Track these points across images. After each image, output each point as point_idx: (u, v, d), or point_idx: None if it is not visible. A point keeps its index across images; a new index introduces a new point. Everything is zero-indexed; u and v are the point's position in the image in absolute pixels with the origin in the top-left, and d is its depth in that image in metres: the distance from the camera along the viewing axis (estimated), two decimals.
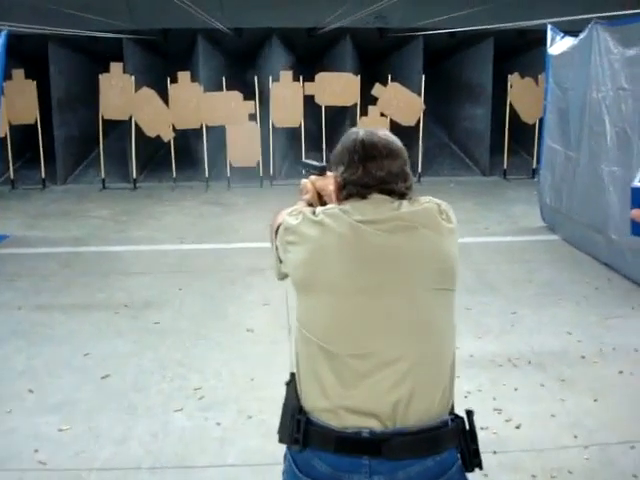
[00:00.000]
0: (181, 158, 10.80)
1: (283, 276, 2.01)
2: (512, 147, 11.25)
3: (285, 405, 1.92)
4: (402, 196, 1.86)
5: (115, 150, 11.19)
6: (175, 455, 3.60)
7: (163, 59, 11.84)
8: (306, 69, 10.79)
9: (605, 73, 6.40)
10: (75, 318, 5.47)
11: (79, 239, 7.83)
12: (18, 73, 10.07)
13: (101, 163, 10.55)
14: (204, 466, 3.51)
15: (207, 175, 10.68)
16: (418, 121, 10.80)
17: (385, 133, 1.91)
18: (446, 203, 1.89)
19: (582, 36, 6.93)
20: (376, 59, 11.99)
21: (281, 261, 1.97)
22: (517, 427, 3.85)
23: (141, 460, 3.54)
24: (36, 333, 5.16)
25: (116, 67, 10.25)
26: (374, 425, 1.75)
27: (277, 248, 1.98)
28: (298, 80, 10.52)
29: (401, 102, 10.70)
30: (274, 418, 3.86)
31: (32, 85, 10.16)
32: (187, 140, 10.94)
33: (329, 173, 2.35)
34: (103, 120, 10.33)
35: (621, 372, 4.54)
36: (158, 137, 10.49)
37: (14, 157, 10.49)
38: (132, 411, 4.04)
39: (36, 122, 10.26)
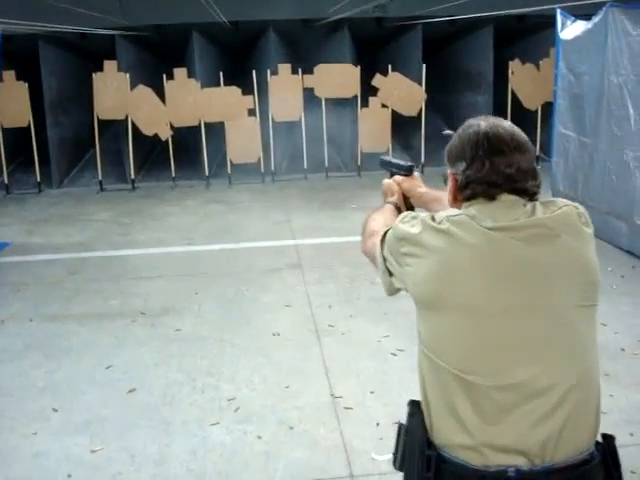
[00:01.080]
0: (180, 156, 10.55)
1: (395, 291, 1.79)
2: None
3: (409, 437, 1.70)
4: (532, 196, 1.65)
5: (110, 151, 10.92)
6: (219, 474, 3.39)
7: (158, 56, 11.56)
8: (304, 61, 10.56)
9: (624, 56, 6.23)
10: (91, 328, 5.24)
11: (83, 244, 7.58)
12: (9, 75, 9.79)
13: (98, 164, 10.27)
14: None
15: (207, 173, 10.45)
16: (420, 111, 10.61)
17: (510, 124, 1.69)
18: (581, 206, 1.68)
19: (596, 19, 6.75)
20: (374, 49, 11.78)
21: (391, 274, 1.75)
22: None
23: None
24: (52, 346, 4.93)
25: (110, 65, 9.97)
26: (521, 463, 1.55)
27: (385, 259, 1.75)
28: (297, 73, 10.29)
29: (402, 92, 10.50)
30: (317, 428, 3.75)
31: (24, 87, 9.86)
32: (185, 138, 10.69)
33: (415, 173, 2.15)
34: (98, 120, 10.06)
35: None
36: (155, 136, 10.24)
37: (7, 161, 10.20)
38: (166, 427, 3.83)
39: (29, 125, 9.97)
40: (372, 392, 4.12)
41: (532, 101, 10.59)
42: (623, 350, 4.60)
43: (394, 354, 4.62)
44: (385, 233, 1.76)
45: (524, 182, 1.63)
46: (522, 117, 10.74)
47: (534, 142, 10.48)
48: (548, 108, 9.63)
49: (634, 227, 6.26)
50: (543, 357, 1.57)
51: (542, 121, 10.39)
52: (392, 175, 2.21)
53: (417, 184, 2.17)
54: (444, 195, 1.81)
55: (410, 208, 2.16)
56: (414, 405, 1.73)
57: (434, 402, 1.64)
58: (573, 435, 1.57)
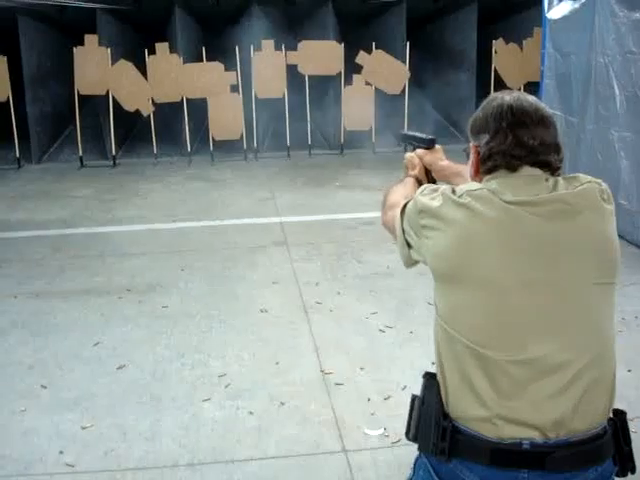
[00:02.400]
0: (161, 133, 10.45)
1: (413, 263, 1.79)
2: None
3: (424, 408, 1.70)
4: (555, 171, 1.65)
5: (91, 126, 10.78)
6: (212, 449, 3.39)
7: (139, 30, 11.39)
8: (288, 38, 10.47)
9: (610, 37, 6.24)
10: (77, 305, 5.20)
11: (66, 220, 7.50)
12: None
13: (78, 140, 10.14)
14: (245, 459, 3.31)
15: (189, 150, 10.36)
16: (403, 89, 10.59)
17: (533, 98, 1.68)
18: (604, 183, 1.67)
19: (583, 0, 6.75)
20: (359, 26, 11.70)
21: (410, 246, 1.75)
22: None
23: (177, 457, 3.33)
24: (38, 323, 4.88)
25: (91, 39, 9.82)
26: (535, 436, 1.56)
27: (404, 231, 1.75)
28: (280, 49, 10.21)
29: (386, 70, 10.47)
30: (308, 404, 3.76)
31: (2, 61, 9.69)
32: (167, 114, 10.57)
33: (437, 146, 2.14)
34: (79, 95, 9.92)
35: None
36: (137, 111, 10.12)
37: None
38: (156, 403, 3.82)
39: (8, 99, 9.81)
40: (362, 368, 4.14)
41: (515, 80, 10.59)
42: None
43: (382, 330, 4.64)
44: (405, 205, 1.75)
45: (547, 155, 1.63)
46: None
47: None
48: (531, 88, 9.65)
49: (619, 207, 6.31)
50: (559, 333, 1.57)
51: None
52: (414, 149, 2.19)
53: (439, 157, 2.15)
54: (466, 169, 1.81)
55: (432, 182, 2.15)
56: (430, 377, 1.73)
57: (450, 374, 1.64)
58: (587, 411, 1.58)
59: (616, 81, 6.15)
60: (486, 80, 10.71)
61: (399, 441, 3.36)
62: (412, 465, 1.82)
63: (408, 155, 2.18)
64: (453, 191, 1.65)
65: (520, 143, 1.62)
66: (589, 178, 1.66)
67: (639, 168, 5.94)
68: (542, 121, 1.63)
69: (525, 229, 1.58)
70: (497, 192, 1.60)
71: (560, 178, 1.64)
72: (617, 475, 1.67)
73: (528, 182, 1.62)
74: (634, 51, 5.93)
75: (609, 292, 1.64)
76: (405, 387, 3.86)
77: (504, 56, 10.66)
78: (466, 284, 1.60)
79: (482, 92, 10.87)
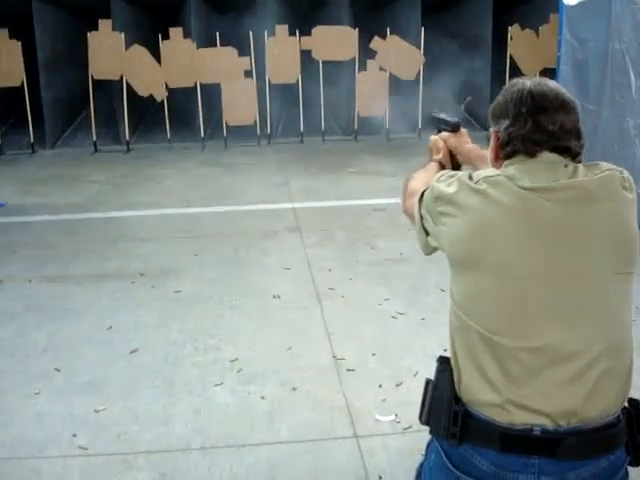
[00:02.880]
0: (175, 118, 10.44)
1: (431, 250, 1.78)
2: None
3: (437, 392, 1.70)
4: (575, 157, 1.63)
5: (104, 111, 10.77)
6: (224, 434, 3.41)
7: (153, 15, 11.38)
8: (302, 23, 10.42)
9: (627, 24, 6.17)
10: (90, 289, 5.23)
11: (80, 205, 7.52)
12: (2, 33, 9.60)
13: (92, 125, 10.16)
14: (257, 444, 3.34)
15: (203, 135, 10.36)
16: (418, 75, 10.53)
17: (554, 83, 1.67)
18: (626, 171, 1.65)
19: None
20: (373, 11, 11.62)
21: (427, 233, 1.74)
22: None
23: (189, 440, 3.36)
24: (52, 307, 4.91)
25: (105, 24, 9.80)
26: (546, 423, 1.55)
27: (422, 218, 1.74)
28: (294, 34, 10.16)
29: (400, 55, 10.39)
30: (320, 390, 3.77)
31: (17, 45, 9.69)
32: (180, 99, 10.56)
33: (463, 130, 2.12)
34: (92, 80, 9.93)
35: None
36: (150, 96, 10.12)
37: (0, 122, 10.07)
38: (169, 387, 3.85)
39: (22, 84, 9.83)
40: (374, 354, 4.14)
41: (531, 67, 10.48)
42: None
43: (394, 317, 4.64)
44: (423, 192, 1.75)
45: (567, 140, 1.62)
46: None
47: None
48: (546, 74, 9.57)
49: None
50: (574, 322, 1.56)
51: None
52: (439, 132, 2.17)
53: (464, 140, 2.13)
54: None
55: (456, 166, 2.13)
56: (443, 361, 1.73)
57: (462, 360, 1.64)
58: (600, 400, 1.57)
59: (632, 68, 6.09)
60: (501, 66, 10.64)
61: (410, 427, 3.37)
62: (424, 449, 1.83)
63: (433, 138, 2.15)
64: (470, 177, 1.64)
65: (540, 128, 1.60)
66: (610, 166, 1.63)
67: None
68: (563, 106, 1.62)
69: (541, 216, 1.56)
70: (515, 178, 1.59)
71: (580, 165, 1.62)
72: (630, 464, 1.66)
73: (547, 168, 1.60)
74: None
75: (627, 282, 1.62)
76: (417, 373, 3.86)
77: (520, 42, 10.56)
78: (480, 271, 1.59)
79: (497, 78, 10.83)
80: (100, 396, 3.76)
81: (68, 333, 4.51)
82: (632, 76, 6.10)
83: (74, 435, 3.41)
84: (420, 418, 1.74)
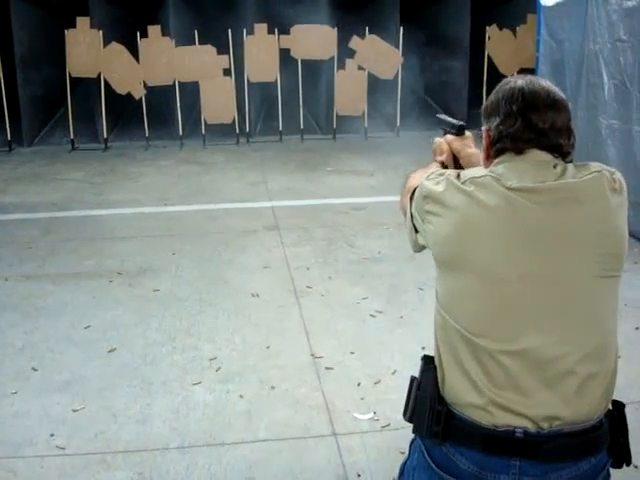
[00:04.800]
0: (153, 116, 10.40)
1: (420, 248, 1.79)
2: None
3: (420, 392, 1.71)
4: (565, 156, 1.62)
5: (82, 109, 10.68)
6: (203, 432, 3.41)
7: (131, 13, 11.30)
8: (281, 22, 10.41)
9: (602, 24, 6.24)
10: (67, 288, 5.20)
11: (57, 203, 7.47)
12: None
13: (70, 123, 10.09)
14: (235, 442, 3.34)
15: (181, 133, 10.32)
16: (396, 74, 10.57)
17: (547, 82, 1.67)
18: (618, 172, 1.64)
19: None
20: (352, 11, 11.63)
21: (417, 231, 1.75)
22: None
23: (167, 440, 3.35)
24: (29, 305, 4.87)
25: (82, 22, 9.75)
26: (528, 425, 1.56)
27: (412, 216, 1.75)
28: (273, 33, 10.16)
29: (379, 55, 10.44)
30: (299, 388, 3.78)
31: None
32: (159, 97, 10.51)
33: (467, 133, 2.12)
34: (70, 78, 9.85)
35: (637, 328, 4.48)
36: (129, 94, 10.07)
37: None
38: (147, 386, 3.83)
39: None
40: (352, 353, 4.16)
41: (508, 67, 10.56)
42: None
43: (373, 315, 4.66)
44: (414, 190, 1.75)
45: (557, 139, 1.61)
46: (498, 83, 10.77)
47: None
48: (524, 74, 9.64)
49: None
50: (555, 326, 1.56)
51: None
52: (445, 134, 2.18)
53: (467, 144, 2.11)
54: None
55: (459, 169, 2.14)
56: (428, 361, 1.73)
57: (446, 360, 1.65)
58: (582, 404, 1.57)
59: (605, 69, 6.17)
60: (479, 66, 10.70)
61: (388, 425, 3.39)
62: (408, 447, 1.84)
63: (437, 140, 2.15)
64: (458, 176, 1.64)
65: (530, 126, 1.60)
66: (600, 167, 1.62)
67: (625, 156, 5.96)
68: (554, 105, 1.62)
69: (524, 219, 1.56)
70: (503, 177, 1.59)
71: (571, 165, 1.62)
72: (612, 466, 1.68)
73: (535, 167, 1.60)
74: (624, 39, 5.94)
75: (612, 285, 1.61)
76: (395, 371, 3.88)
77: (497, 42, 10.65)
78: (464, 272, 1.59)
79: (475, 78, 10.91)
80: (78, 395, 3.74)
81: (45, 332, 4.48)
82: (605, 77, 6.18)
83: (51, 435, 3.39)
84: (404, 415, 1.75)
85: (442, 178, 1.66)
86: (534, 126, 1.60)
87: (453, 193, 1.61)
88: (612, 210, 1.59)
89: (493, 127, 1.67)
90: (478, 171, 1.67)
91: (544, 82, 1.67)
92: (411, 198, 1.76)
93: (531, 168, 1.60)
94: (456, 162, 2.09)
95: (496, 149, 1.67)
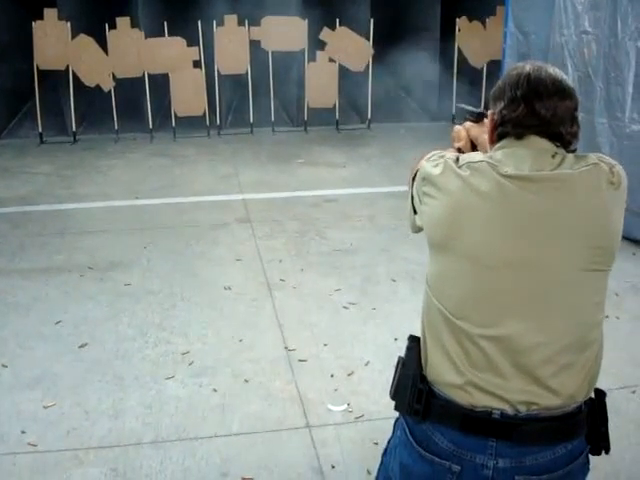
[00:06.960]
0: (122, 108, 10.27)
1: (417, 229, 1.79)
2: (460, 92, 11.13)
3: (404, 370, 1.74)
4: (566, 145, 1.63)
5: (50, 102, 10.52)
6: (176, 427, 3.40)
7: (100, 4, 11.15)
8: (251, 13, 10.35)
9: (569, 17, 6.28)
10: (37, 283, 5.14)
11: (25, 197, 7.37)
12: None
13: (38, 116, 9.94)
14: (209, 437, 3.33)
15: (151, 126, 10.22)
16: (367, 66, 10.57)
17: (555, 70, 1.66)
18: (619, 164, 1.64)
19: None
20: (322, 2, 11.60)
21: (416, 212, 1.76)
22: None
23: (141, 435, 3.34)
24: None
25: (50, 13, 9.59)
26: (505, 407, 1.59)
27: (412, 197, 1.76)
28: (243, 24, 10.10)
29: (350, 47, 10.41)
30: (272, 381, 3.79)
31: None
32: (128, 89, 10.39)
33: (486, 120, 2.13)
34: (38, 70, 9.71)
35: (607, 317, 4.52)
36: (97, 87, 9.95)
37: None
38: (119, 381, 3.81)
39: None
40: (325, 345, 4.17)
41: (478, 58, 10.66)
42: None
43: (346, 307, 4.67)
44: (416, 172, 1.77)
45: (558, 127, 1.61)
46: (468, 74, 10.82)
47: (479, 100, 10.57)
48: (494, 66, 9.70)
49: None
50: (536, 315, 1.58)
51: (487, 79, 10.47)
52: (464, 121, 2.19)
53: (485, 131, 2.14)
54: None
55: None
56: (413, 340, 1.76)
57: (430, 340, 1.68)
58: (560, 391, 1.59)
59: (570, 60, 6.21)
60: (450, 58, 10.74)
61: (362, 416, 3.40)
62: (392, 426, 1.87)
63: (456, 127, 2.16)
64: (457, 160, 1.66)
65: (532, 113, 1.61)
66: (599, 159, 1.62)
67: (589, 148, 6.01)
68: (559, 92, 1.62)
69: (515, 205, 1.57)
70: (500, 163, 1.60)
71: (571, 155, 1.62)
72: (591, 453, 1.71)
73: (534, 155, 1.60)
74: (589, 31, 6.00)
75: (598, 279, 1.62)
76: (368, 363, 3.90)
77: (467, 34, 10.69)
78: (452, 255, 1.62)
79: (445, 70, 10.95)
80: (49, 392, 3.71)
81: (15, 328, 4.43)
82: (570, 68, 6.22)
83: (23, 432, 3.36)
84: (390, 392, 1.77)
85: (441, 161, 1.68)
86: (537, 113, 1.61)
87: (449, 176, 1.63)
88: (606, 204, 1.59)
89: (497, 111, 1.68)
90: (475, 156, 1.68)
91: (552, 69, 1.66)
92: (413, 179, 1.78)
93: (529, 155, 1.61)
94: (474, 148, 2.09)
95: (498, 133, 1.68)
